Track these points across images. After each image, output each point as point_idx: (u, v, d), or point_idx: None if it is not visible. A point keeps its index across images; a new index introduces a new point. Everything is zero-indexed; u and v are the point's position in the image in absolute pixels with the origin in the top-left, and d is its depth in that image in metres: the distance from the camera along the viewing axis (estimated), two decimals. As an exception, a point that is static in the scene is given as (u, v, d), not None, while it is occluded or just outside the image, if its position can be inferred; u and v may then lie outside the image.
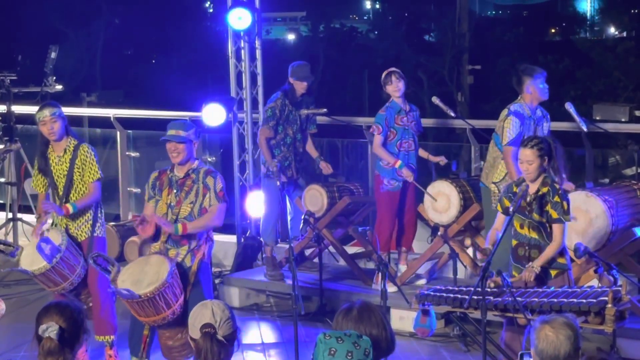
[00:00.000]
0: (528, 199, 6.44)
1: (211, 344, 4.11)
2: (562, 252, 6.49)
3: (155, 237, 6.77)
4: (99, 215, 7.21)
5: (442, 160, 8.53)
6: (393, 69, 8.52)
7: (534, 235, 6.48)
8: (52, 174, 7.14)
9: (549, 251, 6.41)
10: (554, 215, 6.41)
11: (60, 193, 7.10)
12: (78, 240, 7.12)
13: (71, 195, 7.10)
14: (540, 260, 6.38)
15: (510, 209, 6.33)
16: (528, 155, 6.42)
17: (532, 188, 6.47)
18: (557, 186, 6.48)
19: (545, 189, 6.39)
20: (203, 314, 4.19)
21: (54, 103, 7.26)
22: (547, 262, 6.40)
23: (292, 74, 8.83)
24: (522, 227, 6.49)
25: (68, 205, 7.03)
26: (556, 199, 6.40)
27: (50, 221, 7.14)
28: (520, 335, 6.36)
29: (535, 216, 6.43)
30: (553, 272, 6.48)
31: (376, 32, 34.45)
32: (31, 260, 6.92)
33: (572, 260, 7.63)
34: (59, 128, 7.09)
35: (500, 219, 6.64)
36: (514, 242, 6.52)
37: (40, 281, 7.05)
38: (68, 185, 7.09)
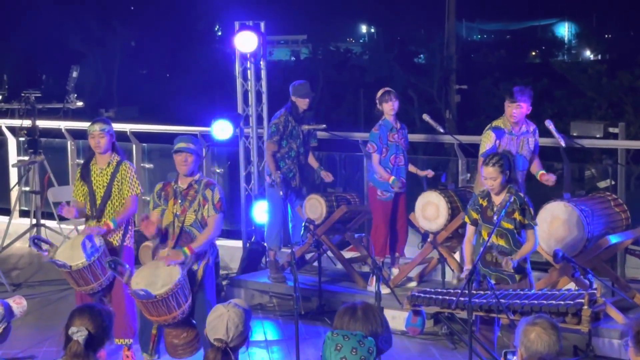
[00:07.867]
0: (494, 209, 6.42)
1: (219, 357, 4.15)
2: (525, 258, 6.47)
3: (163, 239, 6.77)
4: (129, 227, 7.17)
5: (429, 173, 8.51)
6: (389, 88, 8.51)
7: (502, 242, 6.46)
8: (92, 183, 7.12)
9: (525, 250, 6.42)
10: (524, 221, 6.41)
11: (98, 202, 7.08)
12: (112, 245, 7.08)
13: (107, 205, 7.08)
14: (518, 255, 6.38)
15: (495, 219, 6.32)
16: (491, 172, 6.39)
17: (498, 199, 6.45)
18: (522, 195, 6.47)
19: (507, 197, 6.36)
20: (218, 327, 4.19)
21: (106, 120, 7.31)
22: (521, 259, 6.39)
23: (294, 92, 8.83)
24: (489, 235, 6.44)
25: (109, 222, 7.00)
26: (523, 206, 6.39)
27: (82, 227, 7.11)
28: (492, 327, 6.47)
29: (504, 224, 6.40)
30: (517, 277, 6.47)
31: (371, 54, 34.43)
32: (70, 256, 6.86)
33: (551, 265, 7.64)
34: (106, 143, 7.11)
35: (470, 230, 6.61)
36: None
37: (73, 278, 6.93)
38: (106, 197, 7.08)
